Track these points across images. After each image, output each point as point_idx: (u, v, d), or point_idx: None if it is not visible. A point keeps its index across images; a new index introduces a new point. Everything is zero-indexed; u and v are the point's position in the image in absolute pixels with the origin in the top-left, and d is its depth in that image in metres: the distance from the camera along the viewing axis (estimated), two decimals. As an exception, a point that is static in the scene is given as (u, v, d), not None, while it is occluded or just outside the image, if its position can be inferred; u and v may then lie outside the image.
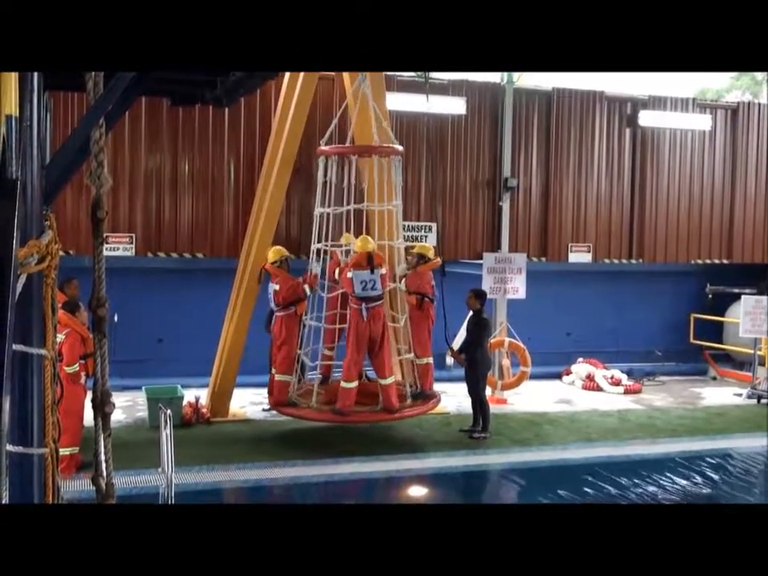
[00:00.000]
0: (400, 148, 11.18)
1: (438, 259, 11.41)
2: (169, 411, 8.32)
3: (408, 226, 13.96)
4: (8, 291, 2.53)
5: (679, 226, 16.65)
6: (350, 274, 10.28)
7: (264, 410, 12.37)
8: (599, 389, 14.96)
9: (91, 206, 3.12)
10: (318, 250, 11.01)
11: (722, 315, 16.64)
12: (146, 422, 11.39)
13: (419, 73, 13.54)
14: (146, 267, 13.70)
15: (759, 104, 17.67)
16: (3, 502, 2.46)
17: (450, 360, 13.88)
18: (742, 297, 15.19)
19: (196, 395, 11.86)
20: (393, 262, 11.30)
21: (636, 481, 9.71)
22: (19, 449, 2.83)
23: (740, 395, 14.73)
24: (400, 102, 13.98)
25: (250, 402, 12.98)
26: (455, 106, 14.85)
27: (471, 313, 11.66)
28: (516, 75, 15.22)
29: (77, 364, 8.94)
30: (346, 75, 12.23)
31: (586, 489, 9.38)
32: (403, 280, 11.08)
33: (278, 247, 11.48)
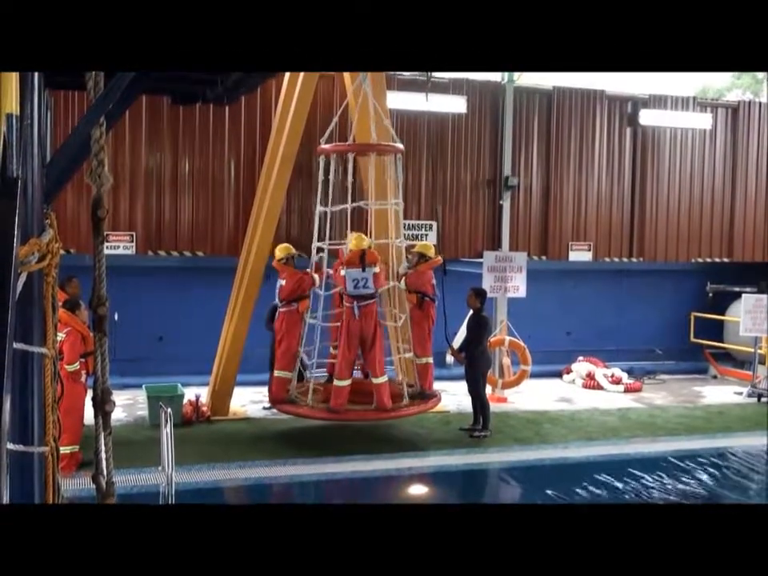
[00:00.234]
0: (401, 146, 11.18)
1: (439, 258, 11.39)
2: (169, 410, 8.32)
3: (408, 224, 13.96)
4: (9, 289, 2.53)
5: (680, 225, 16.66)
6: (342, 272, 10.30)
7: (264, 408, 12.38)
8: (599, 387, 14.96)
9: (92, 205, 3.12)
10: (319, 249, 11.02)
11: (723, 314, 16.64)
12: (147, 420, 11.39)
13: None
14: (147, 266, 13.72)
15: (760, 103, 17.68)
16: (4, 500, 2.46)
17: (450, 358, 13.88)
18: (743, 295, 15.19)
19: (196, 393, 11.87)
20: (393, 260, 11.28)
21: (636, 479, 9.72)
22: (20, 447, 2.84)
23: (740, 394, 14.74)
24: (400, 100, 13.97)
25: (250, 401, 12.98)
26: (456, 104, 14.85)
27: (471, 311, 11.66)
28: (516, 74, 15.22)
29: (77, 362, 8.95)
30: (346, 74, 12.22)
31: (585, 488, 9.39)
32: (403, 279, 11.07)
33: (286, 245, 11.50)
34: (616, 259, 16.36)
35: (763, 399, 14.28)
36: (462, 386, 11.88)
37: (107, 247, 3.98)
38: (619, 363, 15.84)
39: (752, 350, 15.20)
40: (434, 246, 12.11)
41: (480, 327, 11.45)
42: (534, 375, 14.29)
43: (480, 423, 11.37)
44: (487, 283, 13.53)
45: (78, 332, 8.98)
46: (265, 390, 11.67)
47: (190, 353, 13.53)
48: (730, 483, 10.02)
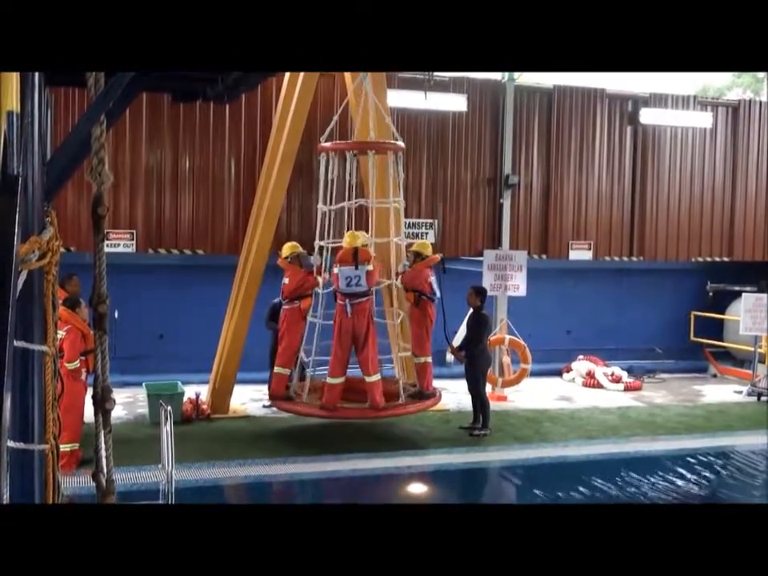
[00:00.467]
0: (401, 144, 11.17)
1: (436, 256, 11.34)
2: (169, 407, 8.31)
3: (408, 222, 13.95)
4: (9, 287, 2.53)
5: (680, 224, 16.66)
6: (335, 270, 10.30)
7: (264, 406, 12.39)
8: (599, 386, 14.97)
9: (92, 203, 3.12)
10: (321, 247, 11.02)
11: (723, 313, 16.64)
12: (147, 418, 11.40)
13: (421, 69, 13.53)
14: (147, 264, 13.72)
15: (760, 102, 17.67)
16: (4, 497, 2.47)
17: (450, 357, 13.88)
18: (743, 294, 15.20)
19: (196, 391, 11.88)
20: (392, 258, 11.27)
21: (635, 479, 9.72)
22: (20, 445, 2.84)
23: (740, 393, 14.75)
24: (401, 99, 13.96)
25: (250, 399, 12.99)
26: (456, 103, 14.84)
27: (471, 310, 11.66)
28: (517, 73, 15.21)
29: (77, 360, 8.95)
30: (347, 72, 12.22)
31: (585, 487, 9.39)
32: (400, 277, 11.06)
33: (293, 243, 11.51)
34: (616, 258, 16.36)
35: (763, 398, 14.28)
36: (462, 385, 11.88)
37: (107, 245, 3.98)
38: (619, 362, 15.85)
39: (752, 348, 15.20)
40: (432, 244, 12.08)
41: (480, 326, 11.45)
42: (534, 374, 14.29)
43: (480, 422, 11.37)
44: (487, 282, 13.53)
45: (78, 330, 8.99)
46: (265, 388, 11.68)
47: (190, 351, 13.53)
48: (730, 483, 10.02)
